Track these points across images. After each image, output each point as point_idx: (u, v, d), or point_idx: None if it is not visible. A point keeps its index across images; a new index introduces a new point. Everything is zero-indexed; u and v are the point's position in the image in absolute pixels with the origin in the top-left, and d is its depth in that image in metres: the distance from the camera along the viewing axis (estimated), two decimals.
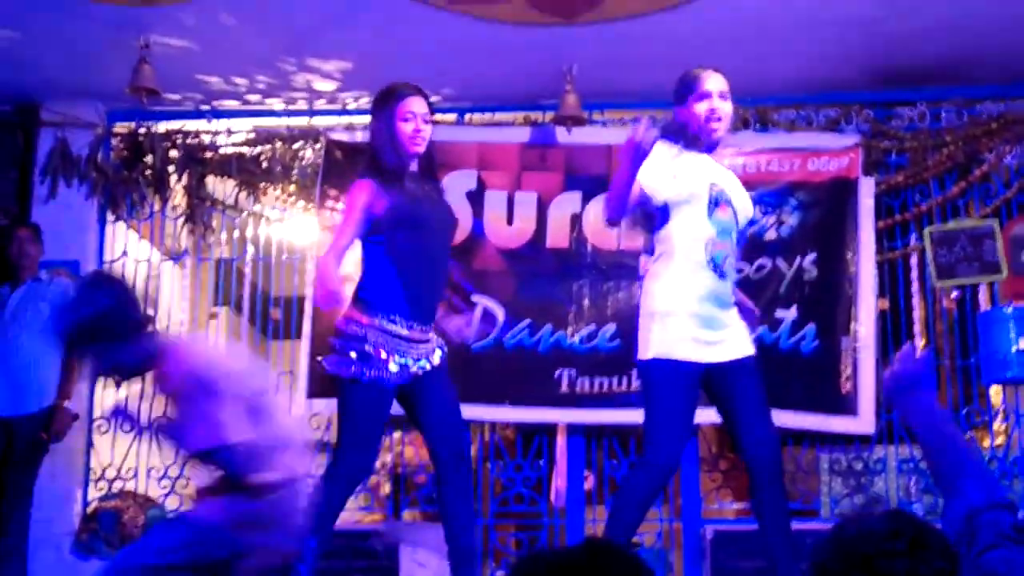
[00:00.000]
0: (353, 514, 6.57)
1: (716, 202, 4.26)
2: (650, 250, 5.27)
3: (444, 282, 4.52)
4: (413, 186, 4.46)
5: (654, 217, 4.31)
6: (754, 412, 4.27)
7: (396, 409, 4.95)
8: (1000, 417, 6.66)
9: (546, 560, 1.93)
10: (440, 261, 4.49)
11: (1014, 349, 6.07)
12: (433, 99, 6.63)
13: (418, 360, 4.35)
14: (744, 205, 4.40)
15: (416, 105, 4.46)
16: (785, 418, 5.67)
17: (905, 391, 2.91)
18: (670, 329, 4.15)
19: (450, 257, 4.62)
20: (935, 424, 2.83)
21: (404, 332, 4.31)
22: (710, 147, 4.37)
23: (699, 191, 4.25)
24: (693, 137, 4.33)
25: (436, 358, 4.42)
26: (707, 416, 4.71)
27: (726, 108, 4.36)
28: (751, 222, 4.70)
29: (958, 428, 2.77)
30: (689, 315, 4.15)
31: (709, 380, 4.25)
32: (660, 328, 4.16)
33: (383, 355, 4.28)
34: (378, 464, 6.82)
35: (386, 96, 4.52)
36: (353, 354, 4.28)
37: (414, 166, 4.52)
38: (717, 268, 4.23)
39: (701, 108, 4.31)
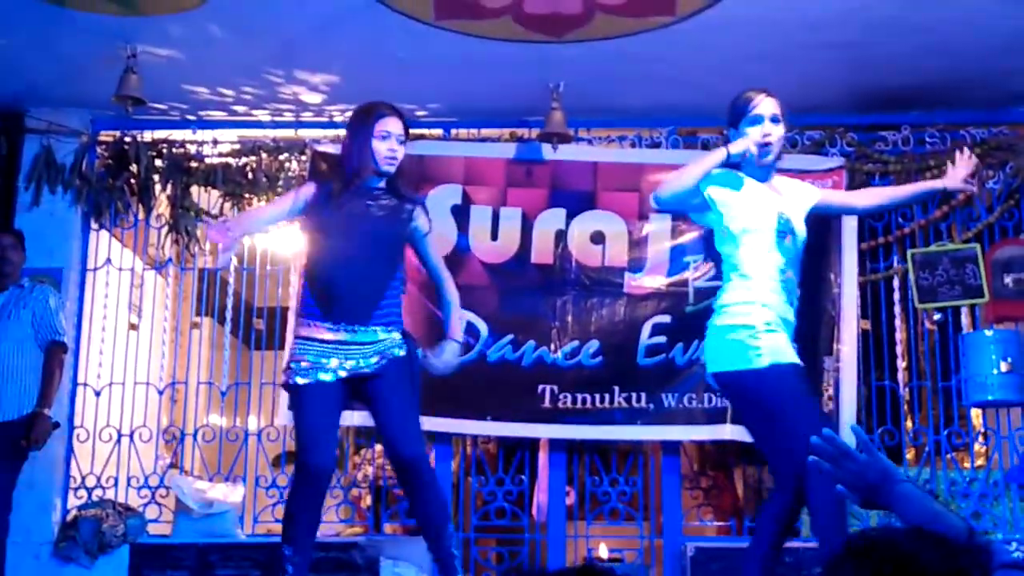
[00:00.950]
0: (334, 527, 6.55)
1: (783, 232, 4.27)
2: (639, 268, 5.32)
3: (375, 283, 4.52)
4: (359, 203, 4.54)
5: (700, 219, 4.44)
6: None
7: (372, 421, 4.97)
8: (981, 439, 6.69)
9: None
10: (366, 266, 4.51)
11: (995, 372, 6.11)
12: (419, 114, 6.76)
13: (348, 360, 4.43)
14: (802, 226, 4.39)
15: (392, 125, 4.55)
16: None
17: (876, 493, 2.49)
18: (773, 337, 4.17)
19: (387, 257, 4.59)
20: (928, 511, 2.37)
21: (327, 336, 4.44)
22: (765, 170, 4.35)
23: (766, 221, 4.26)
24: (747, 161, 4.32)
25: (374, 360, 4.45)
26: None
27: (778, 131, 4.35)
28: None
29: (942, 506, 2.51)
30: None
31: None
32: (764, 338, 4.15)
33: (305, 362, 4.45)
34: (359, 477, 6.83)
35: (364, 113, 4.63)
36: (292, 364, 4.49)
37: (382, 183, 4.59)
38: (789, 295, 4.28)
39: (754, 132, 4.31)
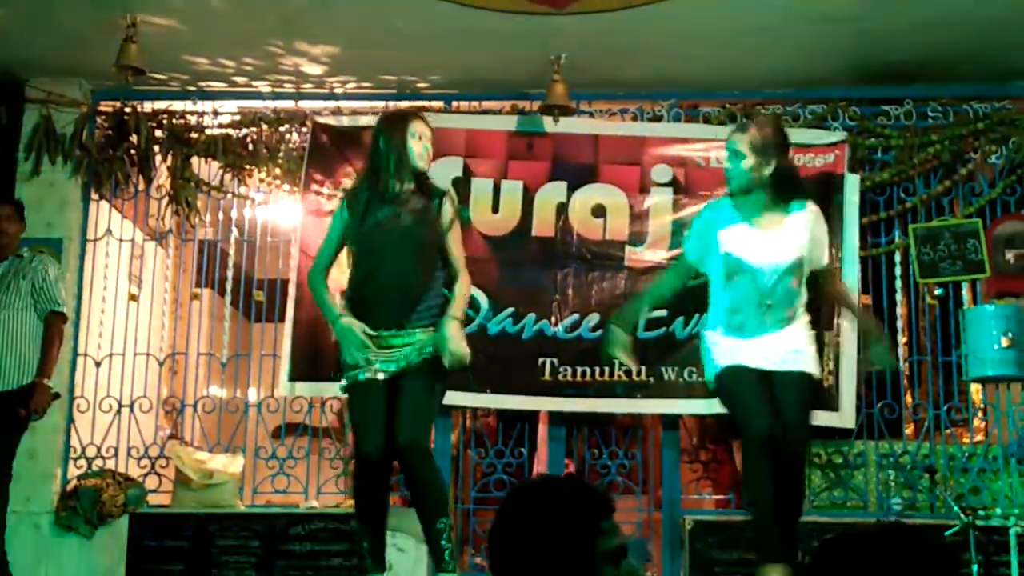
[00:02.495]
0: (334, 498, 6.57)
1: (730, 274, 4.59)
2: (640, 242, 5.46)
3: (410, 288, 4.58)
4: (390, 209, 4.61)
5: None
6: None
7: None
8: (981, 414, 6.70)
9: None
10: (402, 271, 4.58)
11: (996, 347, 6.10)
12: (420, 86, 6.75)
13: (385, 365, 4.53)
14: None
15: (424, 127, 4.72)
16: None
17: None
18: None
19: (426, 256, 4.64)
20: None
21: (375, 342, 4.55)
22: (754, 202, 4.62)
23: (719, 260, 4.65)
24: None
25: (403, 363, 4.54)
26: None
27: (738, 166, 4.59)
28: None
29: None
30: None
31: None
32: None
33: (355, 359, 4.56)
34: None
35: (395, 117, 4.83)
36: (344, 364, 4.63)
37: (411, 184, 4.64)
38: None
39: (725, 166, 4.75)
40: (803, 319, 4.60)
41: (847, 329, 6.29)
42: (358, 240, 4.63)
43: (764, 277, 4.50)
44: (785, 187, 4.58)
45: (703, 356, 4.71)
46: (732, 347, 4.53)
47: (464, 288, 4.71)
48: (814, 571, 2.03)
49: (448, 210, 4.68)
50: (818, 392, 4.72)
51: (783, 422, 4.45)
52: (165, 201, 6.87)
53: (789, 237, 4.55)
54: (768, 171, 4.51)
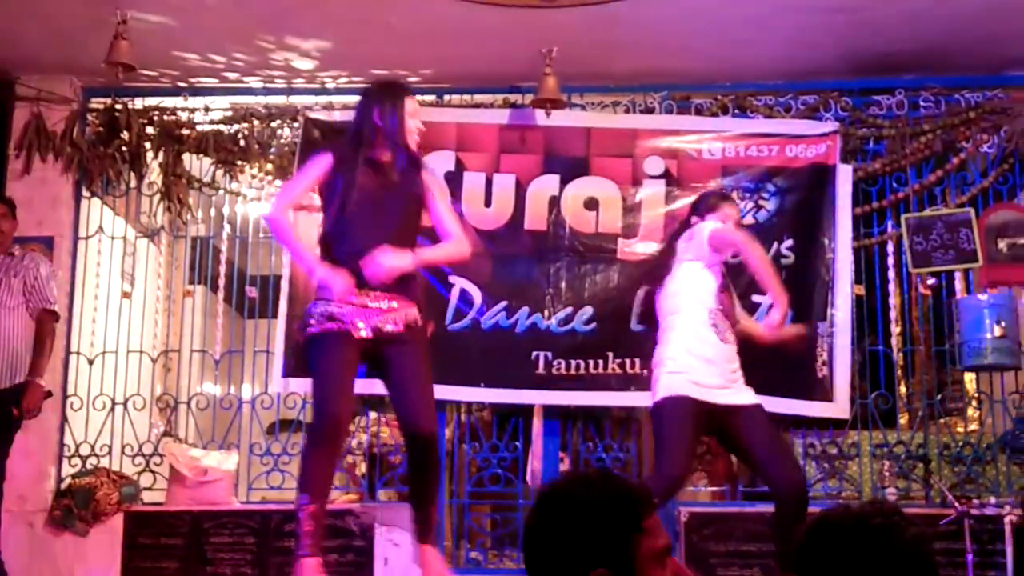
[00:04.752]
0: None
1: None
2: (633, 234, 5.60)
3: (404, 248, 4.56)
4: (379, 172, 4.61)
5: None
6: None
7: (371, 389, 5.00)
8: (974, 403, 6.70)
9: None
10: (394, 235, 4.55)
11: (989, 336, 6.11)
12: (412, 79, 6.73)
13: (371, 321, 4.50)
14: None
15: (416, 104, 4.77)
16: (761, 402, 5.70)
17: None
18: None
19: (408, 227, 4.67)
20: None
21: (351, 299, 4.50)
22: None
23: None
24: None
25: (389, 326, 4.52)
26: None
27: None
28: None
29: None
30: None
31: None
32: None
33: (325, 314, 4.51)
34: (354, 444, 6.83)
35: (391, 87, 4.83)
36: (310, 317, 4.56)
37: (402, 160, 4.66)
38: None
39: None
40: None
41: (841, 320, 6.30)
42: (347, 192, 4.58)
43: None
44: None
45: None
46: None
47: (454, 248, 4.76)
48: (801, 558, 2.00)
49: (431, 176, 4.76)
50: None
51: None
52: (157, 198, 6.85)
53: None
54: None
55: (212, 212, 7.00)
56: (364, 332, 4.49)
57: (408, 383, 4.59)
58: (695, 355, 4.88)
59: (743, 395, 4.94)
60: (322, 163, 4.69)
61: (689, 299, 4.98)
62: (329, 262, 4.57)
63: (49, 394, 5.75)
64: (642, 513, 1.96)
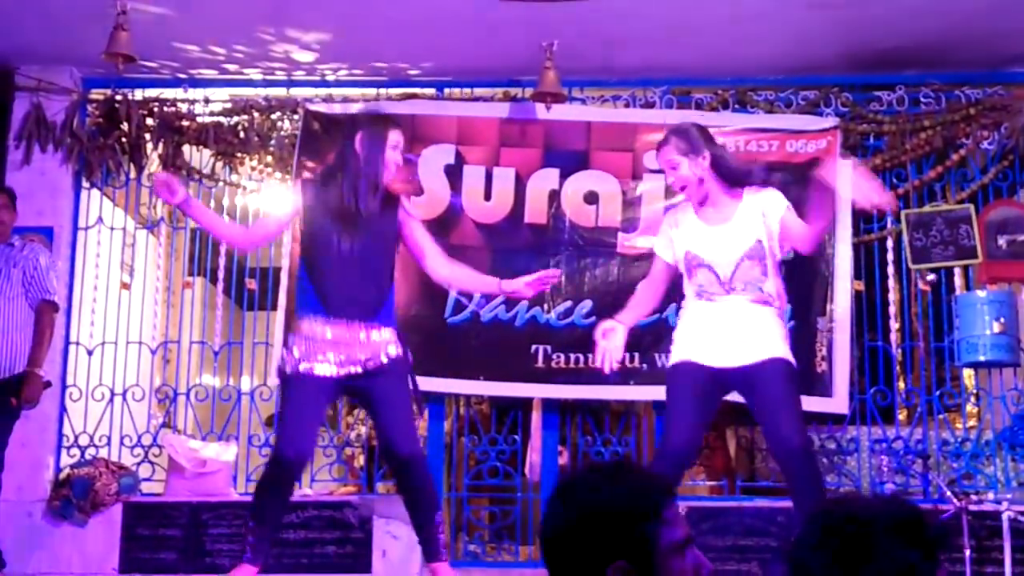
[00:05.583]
0: (327, 486, 6.57)
1: (689, 268, 4.68)
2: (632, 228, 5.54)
3: (380, 284, 4.61)
4: (357, 201, 4.57)
5: None
6: None
7: None
8: (973, 399, 6.71)
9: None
10: (369, 265, 4.58)
11: (988, 332, 6.12)
12: (412, 73, 6.74)
13: (343, 356, 4.52)
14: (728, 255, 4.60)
15: (400, 137, 4.71)
16: None
17: None
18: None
19: (388, 260, 4.69)
20: None
21: (326, 332, 4.53)
22: (703, 199, 4.68)
23: (681, 259, 4.72)
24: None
25: (369, 357, 4.55)
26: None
27: (676, 176, 4.67)
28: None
29: None
30: None
31: None
32: None
33: (300, 353, 4.54)
34: (352, 436, 6.84)
35: (376, 120, 4.76)
36: (286, 354, 4.61)
37: (375, 201, 4.64)
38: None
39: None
40: (774, 308, 4.64)
41: (840, 315, 6.30)
42: (323, 221, 4.59)
43: (722, 269, 4.57)
44: (727, 176, 4.63)
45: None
46: (699, 323, 4.64)
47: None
48: (801, 547, 1.96)
49: (406, 205, 4.75)
50: (797, 376, 4.71)
51: (770, 419, 4.56)
52: None
53: (743, 223, 4.61)
54: (705, 166, 4.60)
55: (212, 204, 6.99)
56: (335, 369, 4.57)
57: (370, 400, 4.71)
58: None
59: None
60: (291, 207, 4.77)
61: None
62: (316, 291, 4.59)
63: (48, 384, 5.75)
64: (661, 503, 1.93)
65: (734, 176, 4.66)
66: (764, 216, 4.60)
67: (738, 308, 4.57)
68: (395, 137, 4.66)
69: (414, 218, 4.79)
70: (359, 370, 4.53)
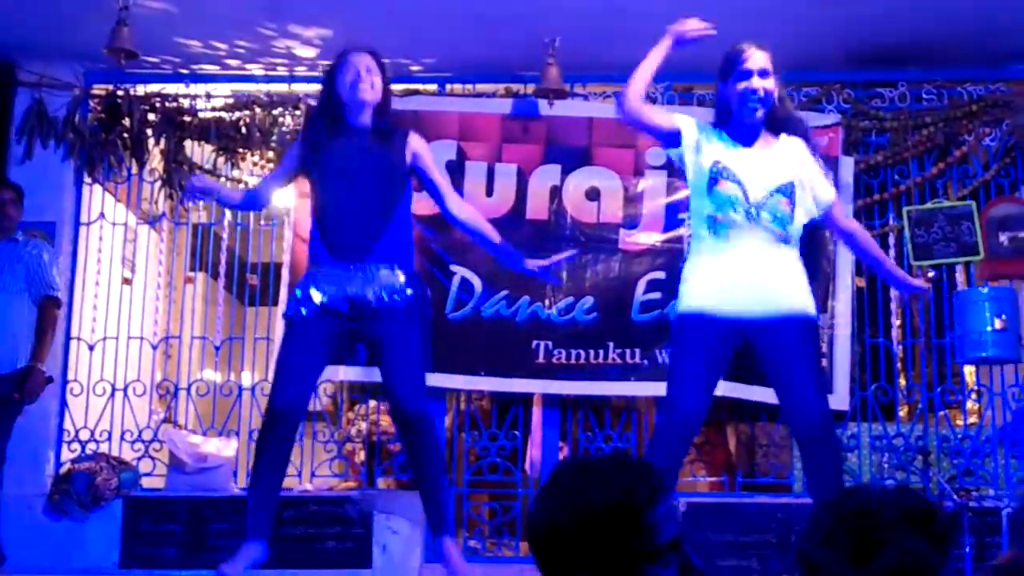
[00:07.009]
0: (328, 481, 6.57)
1: (715, 178, 4.17)
2: (634, 224, 5.27)
3: (372, 220, 4.47)
4: (347, 142, 4.54)
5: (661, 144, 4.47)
6: None
7: (370, 377, 4.97)
8: (974, 396, 6.71)
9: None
10: (361, 200, 4.47)
11: (989, 329, 6.11)
12: (414, 69, 6.73)
13: (349, 288, 4.40)
14: (761, 180, 4.18)
15: (355, 59, 4.59)
16: (760, 393, 5.71)
17: None
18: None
19: (383, 197, 4.55)
20: None
21: (328, 274, 4.45)
22: (752, 128, 4.26)
23: (704, 169, 4.20)
24: (732, 116, 4.27)
25: (371, 293, 4.41)
26: None
27: (766, 85, 4.23)
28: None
29: None
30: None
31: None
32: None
33: (303, 291, 4.47)
34: (353, 432, 6.84)
35: (342, 53, 4.70)
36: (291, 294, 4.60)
37: (367, 119, 4.58)
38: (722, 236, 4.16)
39: (740, 87, 4.23)
40: (796, 251, 4.23)
41: (841, 312, 6.30)
42: (317, 168, 4.56)
43: (753, 189, 4.15)
44: (778, 114, 4.32)
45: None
46: (713, 264, 4.17)
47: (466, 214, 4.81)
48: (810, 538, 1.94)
49: (417, 140, 4.68)
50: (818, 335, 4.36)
51: (794, 381, 4.13)
52: (158, 184, 6.85)
53: (781, 160, 4.24)
54: (776, 93, 4.29)
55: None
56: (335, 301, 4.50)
57: (374, 346, 4.61)
58: None
59: None
60: (291, 151, 4.77)
61: None
62: (321, 237, 4.53)
63: (50, 379, 5.76)
64: (656, 498, 1.89)
65: (786, 117, 4.34)
66: (801, 165, 4.26)
67: (759, 248, 4.11)
68: (347, 62, 4.57)
69: (430, 153, 4.73)
70: (359, 311, 4.40)
